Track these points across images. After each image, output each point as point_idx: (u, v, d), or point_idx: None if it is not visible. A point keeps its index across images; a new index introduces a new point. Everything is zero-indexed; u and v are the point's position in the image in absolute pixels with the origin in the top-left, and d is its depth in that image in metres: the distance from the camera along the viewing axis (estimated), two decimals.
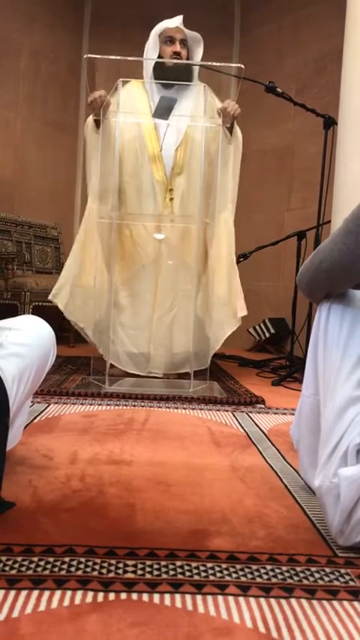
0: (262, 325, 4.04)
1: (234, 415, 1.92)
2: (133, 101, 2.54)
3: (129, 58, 2.48)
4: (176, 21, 2.53)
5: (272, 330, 3.98)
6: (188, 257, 2.52)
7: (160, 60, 2.50)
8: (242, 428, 1.74)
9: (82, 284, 2.46)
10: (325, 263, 0.99)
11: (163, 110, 2.34)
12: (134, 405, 2.00)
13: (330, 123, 2.72)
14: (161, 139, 2.50)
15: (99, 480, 1.18)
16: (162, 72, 2.50)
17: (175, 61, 2.49)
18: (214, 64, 2.45)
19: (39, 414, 1.77)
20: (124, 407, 1.97)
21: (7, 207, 3.96)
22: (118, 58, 2.41)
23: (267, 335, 4.01)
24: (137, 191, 2.52)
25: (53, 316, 3.85)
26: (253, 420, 1.85)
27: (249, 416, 1.92)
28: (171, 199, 2.50)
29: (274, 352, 3.93)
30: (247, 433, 1.67)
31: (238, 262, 3.08)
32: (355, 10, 2.56)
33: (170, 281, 2.53)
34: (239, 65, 2.47)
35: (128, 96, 2.53)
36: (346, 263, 0.96)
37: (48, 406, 1.90)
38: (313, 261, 1.03)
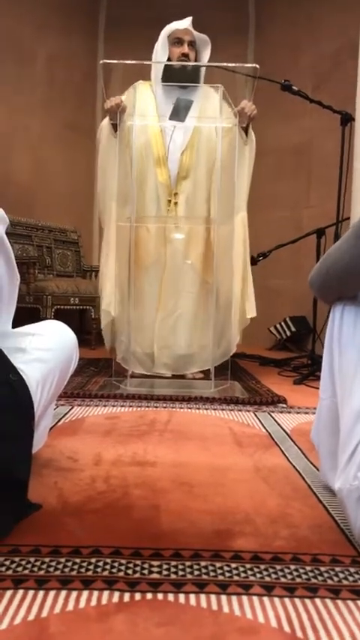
0: (282, 324, 4.03)
1: (256, 415, 1.92)
2: (140, 103, 2.52)
3: (145, 62, 2.49)
4: (185, 22, 2.51)
5: (293, 329, 3.96)
6: (193, 259, 2.52)
7: (170, 63, 2.48)
8: (264, 428, 1.74)
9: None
10: (334, 267, 0.99)
11: (180, 112, 2.34)
12: (156, 407, 2.02)
13: (347, 119, 2.70)
14: (167, 142, 2.50)
15: (123, 481, 1.20)
16: (170, 74, 2.50)
17: (191, 63, 2.48)
18: (230, 64, 2.44)
19: (63, 417, 1.80)
20: (146, 408, 1.99)
21: (28, 211, 4.01)
22: (134, 62, 2.42)
23: (288, 333, 3.99)
24: (141, 193, 2.52)
25: (75, 319, 3.92)
26: (275, 420, 1.85)
27: (271, 416, 1.92)
28: (175, 203, 2.50)
29: (296, 351, 3.91)
30: (269, 433, 1.67)
31: (257, 261, 3.08)
32: None
33: (174, 282, 2.53)
34: (254, 65, 2.46)
35: (138, 97, 2.53)
36: (356, 267, 0.96)
37: (71, 408, 1.93)
38: (323, 265, 1.03)
